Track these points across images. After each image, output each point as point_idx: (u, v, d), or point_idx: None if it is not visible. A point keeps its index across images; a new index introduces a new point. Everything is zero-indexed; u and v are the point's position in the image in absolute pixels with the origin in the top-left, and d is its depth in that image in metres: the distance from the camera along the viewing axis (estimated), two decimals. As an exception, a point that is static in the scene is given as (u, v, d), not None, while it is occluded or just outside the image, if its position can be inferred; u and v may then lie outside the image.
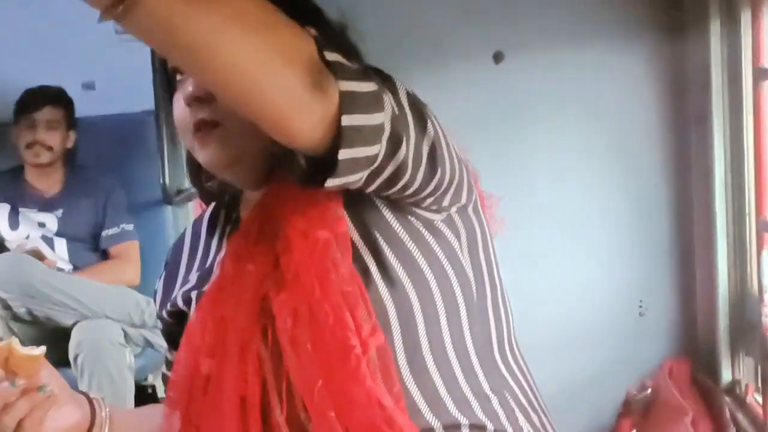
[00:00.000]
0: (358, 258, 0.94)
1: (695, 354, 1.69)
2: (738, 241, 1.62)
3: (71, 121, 2.96)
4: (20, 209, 2.93)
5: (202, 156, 1.01)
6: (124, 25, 0.75)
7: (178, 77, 1.03)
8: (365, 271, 0.93)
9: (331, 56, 0.83)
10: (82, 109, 2.97)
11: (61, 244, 2.93)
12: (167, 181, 2.90)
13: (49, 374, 1.03)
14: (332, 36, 0.98)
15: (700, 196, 1.65)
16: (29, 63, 2.78)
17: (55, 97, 2.90)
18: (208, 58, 0.78)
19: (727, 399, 1.56)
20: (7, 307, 2.62)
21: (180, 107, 1.01)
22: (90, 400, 1.10)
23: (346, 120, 0.81)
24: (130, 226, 2.96)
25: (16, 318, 2.64)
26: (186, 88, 0.99)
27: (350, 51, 1.01)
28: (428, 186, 0.94)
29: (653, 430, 1.62)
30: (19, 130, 2.89)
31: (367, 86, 0.85)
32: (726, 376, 1.65)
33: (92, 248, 2.99)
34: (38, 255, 2.75)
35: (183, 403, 1.01)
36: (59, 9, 2.95)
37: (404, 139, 0.87)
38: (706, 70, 1.61)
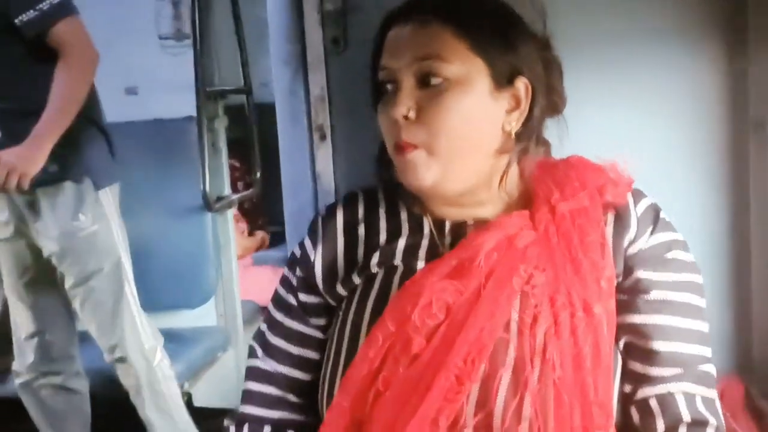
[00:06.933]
0: None
1: (750, 372, 1.60)
2: (796, 252, 1.55)
3: None
4: None
5: (402, 177, 1.11)
6: None
7: (389, 86, 1.12)
8: None
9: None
10: (124, 114, 2.97)
11: None
12: (207, 188, 2.87)
13: None
14: (538, 73, 1.12)
15: (757, 205, 1.58)
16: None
17: None
18: None
19: (784, 421, 1.48)
20: None
21: (389, 115, 1.09)
22: None
23: None
24: None
25: None
26: (398, 103, 1.08)
27: (552, 67, 1.17)
28: None
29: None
30: None
31: None
32: (783, 396, 1.57)
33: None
34: None
35: (375, 363, 1.06)
36: (103, 14, 2.98)
37: None
38: (766, 76, 1.54)
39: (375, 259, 1.16)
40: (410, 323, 1.05)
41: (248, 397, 1.27)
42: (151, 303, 2.88)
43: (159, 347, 2.57)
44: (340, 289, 1.18)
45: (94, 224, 2.40)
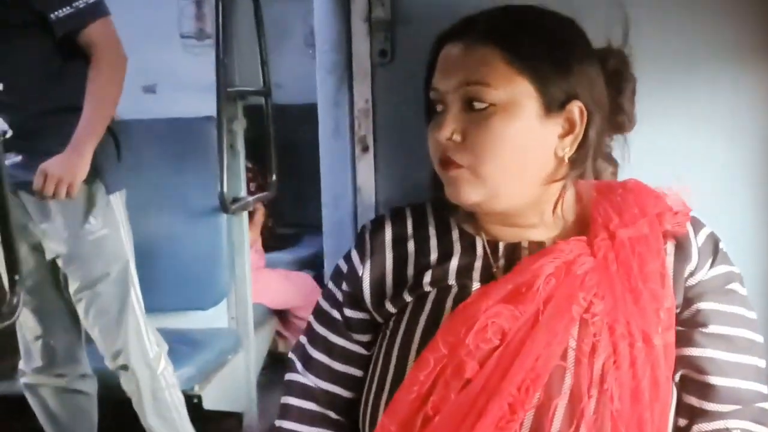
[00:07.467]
0: None
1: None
2: None
3: None
4: None
5: (447, 192, 1.09)
6: None
7: (439, 107, 1.10)
8: None
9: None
10: (142, 112, 2.94)
11: None
12: (225, 189, 2.84)
13: None
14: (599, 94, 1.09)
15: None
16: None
17: None
18: None
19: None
20: None
21: (435, 137, 1.08)
22: None
23: None
24: None
25: None
26: (443, 127, 1.06)
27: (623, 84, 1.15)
28: None
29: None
30: None
31: None
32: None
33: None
34: None
35: (425, 386, 1.03)
36: (125, 12, 2.94)
37: None
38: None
39: (427, 277, 1.14)
40: (464, 347, 1.03)
41: (286, 411, 1.24)
42: (163, 303, 2.87)
43: (163, 354, 2.52)
44: (389, 307, 1.15)
45: (104, 228, 2.35)
